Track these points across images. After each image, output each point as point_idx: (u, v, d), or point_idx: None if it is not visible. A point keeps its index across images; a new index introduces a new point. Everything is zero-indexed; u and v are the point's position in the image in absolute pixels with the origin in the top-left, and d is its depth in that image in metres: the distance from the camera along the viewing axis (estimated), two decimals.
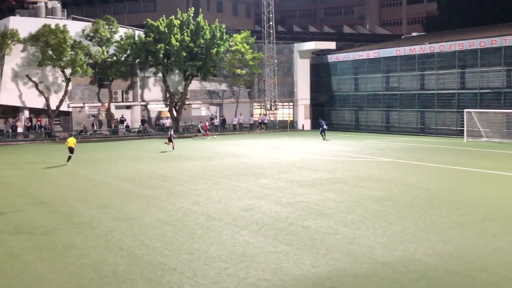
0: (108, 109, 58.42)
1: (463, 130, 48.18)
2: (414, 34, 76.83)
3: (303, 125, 66.55)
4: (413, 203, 20.50)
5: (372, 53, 60.71)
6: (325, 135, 51.23)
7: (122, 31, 57.79)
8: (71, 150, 34.24)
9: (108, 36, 56.11)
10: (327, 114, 66.26)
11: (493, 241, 15.18)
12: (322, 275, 12.56)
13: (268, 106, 66.56)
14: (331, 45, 66.85)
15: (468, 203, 20.33)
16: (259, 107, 68.11)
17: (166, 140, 42.88)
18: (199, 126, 56.26)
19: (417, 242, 15.13)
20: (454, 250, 14.28)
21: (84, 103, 58.62)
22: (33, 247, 15.25)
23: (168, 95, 60.78)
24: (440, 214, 18.46)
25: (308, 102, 67.53)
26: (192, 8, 60.40)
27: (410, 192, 22.68)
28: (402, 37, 79.09)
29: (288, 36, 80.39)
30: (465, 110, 48.25)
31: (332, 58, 66.26)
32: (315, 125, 65.59)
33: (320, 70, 67.65)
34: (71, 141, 34.59)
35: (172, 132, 42.83)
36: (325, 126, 51.95)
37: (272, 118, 66.80)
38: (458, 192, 22.80)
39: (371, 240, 15.35)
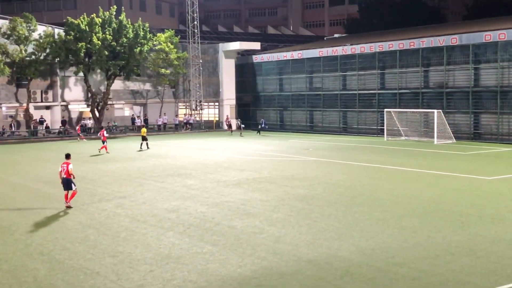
0: (27, 110, 56.39)
1: (383, 129, 49.68)
2: (336, 35, 78.58)
3: (228, 124, 66.67)
4: (337, 200, 20.92)
5: (296, 54, 61.57)
6: (259, 133, 54.29)
7: (41, 29, 55.95)
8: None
9: (26, 34, 54.16)
10: (252, 114, 66.69)
11: (413, 236, 15.71)
12: (248, 274, 12.60)
13: (194, 106, 66.29)
14: (256, 45, 67.35)
15: (388, 200, 20.95)
16: (184, 107, 67.71)
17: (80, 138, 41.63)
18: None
19: (340, 239, 15.44)
20: (376, 246, 14.68)
21: (1, 103, 56.35)
22: None
23: (90, 95, 59.36)
24: (362, 211, 18.93)
25: (233, 102, 67.72)
26: (114, 7, 59.26)
27: (333, 190, 23.15)
28: (325, 38, 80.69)
29: (213, 36, 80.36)
30: (385, 109, 49.78)
31: (257, 58, 66.73)
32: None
33: (245, 70, 68.00)
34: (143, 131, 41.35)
35: (105, 133, 41.42)
36: (264, 125, 55.27)
37: (197, 118, 66.56)
38: (379, 189, 23.46)
39: (296, 238, 15.54)
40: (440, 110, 45.94)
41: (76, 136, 54.74)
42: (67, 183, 20.03)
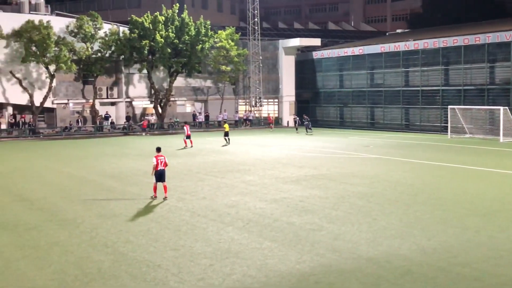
0: (93, 106, 58.09)
1: (447, 126, 48.54)
2: (398, 31, 77.24)
3: (288, 121, 66.59)
4: (397, 199, 20.63)
5: (357, 50, 60.92)
6: (307, 130, 53.47)
7: (106, 27, 57.46)
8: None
9: (93, 32, 55.75)
10: (312, 110, 66.40)
11: (476, 236, 15.33)
12: (306, 271, 12.61)
13: (253, 103, 66.57)
14: (316, 41, 67.02)
15: (451, 199, 20.49)
16: (244, 103, 68.10)
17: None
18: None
19: (401, 237, 15.23)
20: (438, 246, 14.40)
21: (68, 100, 58.23)
22: (16, 244, 15.14)
23: (153, 91, 60.55)
24: (424, 210, 18.60)
25: (293, 98, 67.64)
26: (177, 5, 60.20)
27: (394, 188, 22.82)
28: (387, 34, 79.46)
29: (273, 32, 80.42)
30: (449, 106, 48.61)
31: (317, 54, 66.39)
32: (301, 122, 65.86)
33: (305, 67, 67.76)
34: (226, 127, 43.25)
35: (188, 128, 42.40)
36: (305, 122, 54.30)
37: (257, 115, 66.84)
38: (442, 188, 22.97)
39: (355, 236, 15.43)
40: (507, 107, 44.48)
41: (141, 132, 56.15)
42: (162, 175, 20.79)
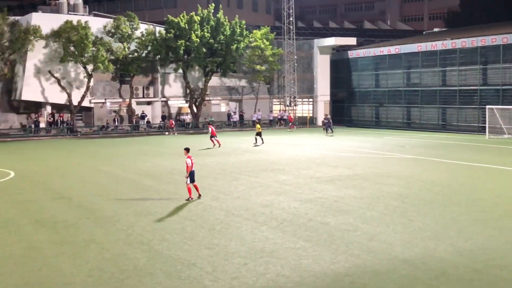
0: (129, 105, 58.83)
1: (485, 126, 47.68)
2: (435, 29, 76.15)
3: (322, 121, 66.33)
4: (433, 200, 20.37)
5: (393, 49, 60.32)
6: (327, 131, 52.52)
7: (143, 28, 58.12)
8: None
9: (129, 33, 56.45)
10: (347, 110, 66.03)
11: None
12: (341, 271, 12.56)
13: (288, 102, 66.49)
14: (352, 41, 66.58)
15: (488, 200, 20.15)
16: (278, 103, 68.07)
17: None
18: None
19: (437, 239, 15.05)
20: (474, 247, 14.19)
21: (105, 99, 59.08)
22: (54, 241, 15.44)
23: (188, 91, 61.01)
24: (460, 211, 18.33)
25: (328, 98, 67.33)
26: (212, 4, 60.50)
27: (430, 189, 22.54)
28: (424, 32, 78.39)
29: (308, 32, 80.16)
30: (487, 106, 47.73)
31: (352, 54, 65.94)
32: (335, 122, 65.48)
33: (340, 66, 67.37)
34: (258, 127, 43.11)
35: (213, 128, 42.41)
36: (326, 122, 53.62)
37: (291, 115, 66.74)
38: (479, 189, 22.61)
39: (391, 237, 15.30)
40: None
41: (170, 131, 56.55)
42: (194, 175, 20.75)
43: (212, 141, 41.11)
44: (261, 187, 23.52)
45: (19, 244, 15.07)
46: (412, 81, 58.87)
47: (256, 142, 42.38)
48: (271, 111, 66.47)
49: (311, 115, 67.53)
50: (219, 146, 40.33)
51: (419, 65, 57.16)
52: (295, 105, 66.77)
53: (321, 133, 53.74)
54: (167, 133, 56.37)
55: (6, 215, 18.87)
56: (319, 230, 16.12)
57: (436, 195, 21.22)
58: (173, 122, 58.29)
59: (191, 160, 20.69)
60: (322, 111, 66.13)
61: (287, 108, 66.50)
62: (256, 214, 18.29)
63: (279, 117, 65.38)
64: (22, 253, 14.24)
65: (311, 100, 68.38)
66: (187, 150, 21.31)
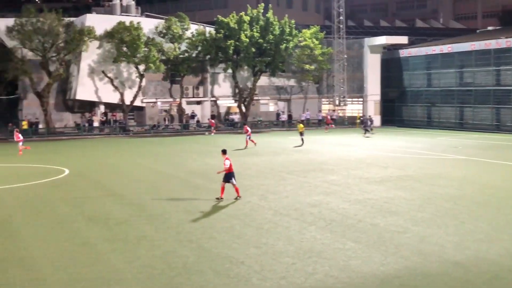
0: (180, 105, 59.56)
1: None
2: (489, 28, 74.27)
3: (361, 121, 65.59)
4: (486, 202, 19.89)
5: (445, 48, 59.14)
6: (365, 132, 50.59)
7: (193, 28, 58.74)
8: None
9: (180, 33, 57.14)
10: (397, 110, 65.12)
11: None
12: (391, 273, 12.41)
13: (337, 102, 66.03)
14: (403, 39, 65.62)
15: None
16: (327, 103, 67.68)
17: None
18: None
19: (490, 241, 14.69)
20: None
21: (156, 99, 59.98)
22: (107, 237, 15.78)
23: (237, 90, 61.33)
24: None
25: (378, 98, 66.54)
26: (262, 4, 60.66)
27: (483, 191, 22.02)
28: (477, 31, 76.56)
29: (358, 30, 79.37)
30: None
31: (403, 53, 64.97)
32: (386, 121, 64.73)
33: (391, 65, 66.45)
34: (300, 127, 42.24)
35: (248, 128, 42.28)
36: (368, 122, 51.89)
37: (340, 114, 66.25)
38: None
39: (442, 239, 15.02)
40: None
41: (210, 131, 56.30)
42: (232, 176, 20.69)
43: (247, 141, 40.72)
44: (309, 187, 23.45)
45: (73, 240, 15.47)
46: (465, 80, 57.59)
47: (302, 143, 41.82)
48: (320, 111, 66.15)
49: (360, 115, 66.86)
50: (248, 146, 40.20)
51: (472, 64, 55.87)
52: (345, 105, 66.26)
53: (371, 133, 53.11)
54: (207, 133, 56.13)
55: (60, 211, 19.40)
56: (368, 232, 15.96)
57: (489, 197, 20.71)
58: (213, 121, 58.15)
59: (230, 161, 20.62)
60: (373, 111, 65.41)
61: (336, 108, 66.07)
62: (305, 214, 18.25)
63: (328, 117, 64.98)
64: (76, 249, 14.61)
65: (360, 100, 67.70)
66: (224, 152, 21.30)
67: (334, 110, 65.93)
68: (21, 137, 39.45)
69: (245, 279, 12.15)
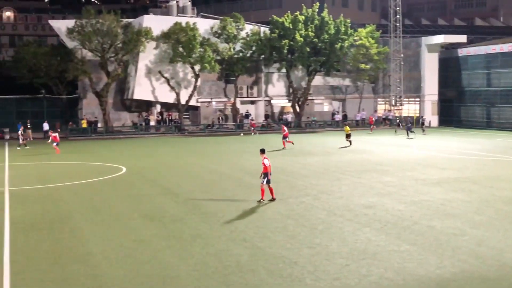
0: (234, 104, 59.95)
1: None
2: None
3: (430, 121, 64.31)
4: None
5: (506, 47, 57.39)
6: (408, 134, 48.38)
7: (248, 28, 59.02)
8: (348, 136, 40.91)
9: (235, 33, 57.51)
10: (456, 110, 63.65)
11: None
12: (447, 276, 12.16)
13: (393, 102, 65.09)
14: (462, 38, 64.10)
15: None
16: (383, 102, 66.81)
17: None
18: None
19: None
20: None
21: (211, 98, 60.55)
22: (162, 235, 16.04)
23: (291, 90, 61.26)
24: None
25: (435, 98, 65.22)
26: (317, 3, 60.34)
27: None
28: None
29: (415, 29, 77.99)
30: None
31: (462, 52, 63.44)
32: (443, 122, 63.41)
33: (449, 65, 64.98)
34: (347, 129, 41.27)
35: (285, 128, 41.46)
36: (409, 124, 50.14)
37: (396, 114, 65.26)
38: None
39: (501, 243, 14.61)
40: None
41: (252, 130, 55.80)
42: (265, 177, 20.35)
43: (284, 142, 39.81)
44: (364, 188, 23.21)
45: (129, 237, 15.79)
46: None
47: (350, 145, 40.88)
48: (376, 111, 65.34)
49: (417, 115, 65.67)
50: (293, 144, 39.90)
51: None
52: (401, 105, 65.24)
53: (427, 133, 52.12)
54: (242, 134, 54.98)
55: (117, 209, 19.84)
56: (424, 234, 15.68)
57: None
58: (254, 122, 57.46)
59: (269, 161, 20.38)
60: (430, 111, 64.17)
61: (392, 107, 65.14)
62: (359, 215, 18.08)
63: (384, 117, 64.14)
64: (132, 246, 14.91)
65: (417, 99, 66.50)
66: (262, 151, 20.99)
67: (390, 110, 65.02)
68: (58, 137, 40.04)
69: (298, 279, 12.14)
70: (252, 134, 54.50)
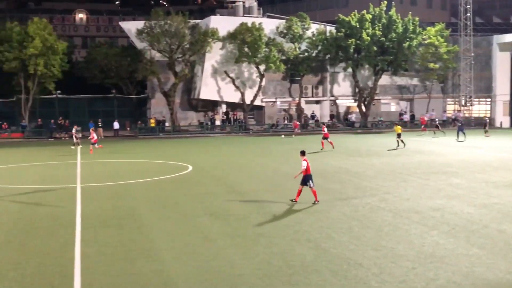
0: (298, 104, 59.87)
1: None
2: None
3: (501, 122, 62.30)
4: None
5: None
6: (458, 135, 45.50)
7: (314, 27, 58.85)
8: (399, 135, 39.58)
9: (301, 33, 57.47)
10: None
11: None
12: None
13: (463, 102, 63.37)
14: None
15: None
16: (452, 103, 65.16)
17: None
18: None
19: None
20: None
21: (276, 98, 60.71)
22: (227, 233, 16.20)
23: (357, 90, 60.63)
24: None
25: (507, 98, 63.09)
26: (385, 2, 59.50)
27: None
28: None
29: (486, 27, 75.71)
30: None
31: None
32: None
33: None
34: (397, 129, 39.96)
35: (325, 129, 40.39)
36: (459, 125, 47.00)
37: (466, 115, 63.50)
38: None
39: None
40: None
41: (295, 131, 54.53)
42: (309, 179, 20.03)
43: (323, 143, 38.72)
44: (431, 190, 22.70)
45: (196, 235, 16.04)
46: None
47: (398, 146, 39.49)
48: (445, 111, 63.81)
49: (488, 115, 63.71)
50: (333, 148, 38.49)
51: None
52: (471, 105, 63.46)
53: (500, 134, 50.45)
54: (283, 136, 51.78)
55: (184, 206, 20.18)
56: (494, 238, 15.19)
57: None
58: (298, 123, 55.19)
59: (307, 163, 20.08)
60: (501, 112, 62.14)
61: (462, 108, 63.45)
62: (426, 218, 17.70)
63: (453, 117, 62.55)
64: (198, 243, 15.14)
65: (488, 100, 64.52)
66: (302, 153, 20.65)
67: (459, 111, 63.34)
68: (96, 137, 40.87)
69: (363, 281, 12.00)
70: (293, 136, 51.75)
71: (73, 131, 45.30)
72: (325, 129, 40.85)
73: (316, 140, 41.81)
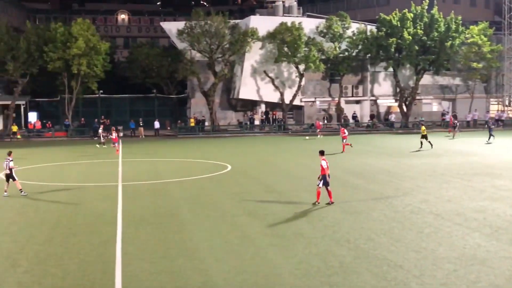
0: (338, 104, 59.52)
1: None
2: None
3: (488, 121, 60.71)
4: None
5: None
6: (489, 138, 43.28)
7: (354, 27, 58.42)
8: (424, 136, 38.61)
9: (341, 32, 57.13)
10: None
11: None
12: None
13: (507, 102, 62.00)
14: None
15: None
16: (496, 103, 63.83)
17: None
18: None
19: None
20: None
21: (315, 98, 60.49)
22: (265, 232, 16.23)
23: (398, 89, 59.95)
24: None
25: None
26: (427, 1, 58.65)
27: None
28: None
29: None
30: None
31: None
32: None
33: None
34: (423, 129, 39.44)
35: (345, 131, 39.08)
36: (491, 125, 44.83)
37: (510, 115, 62.15)
38: None
39: None
40: None
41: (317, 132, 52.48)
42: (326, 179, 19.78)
43: (343, 145, 37.75)
44: (474, 191, 22.29)
45: (234, 234, 16.11)
46: None
47: (421, 147, 38.11)
48: (488, 111, 62.55)
49: None
50: (351, 146, 38.00)
51: None
52: None
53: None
54: (307, 137, 50.19)
55: (223, 205, 20.30)
56: None
57: None
58: (320, 123, 53.43)
59: (327, 163, 19.85)
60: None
61: (506, 108, 62.11)
62: (468, 220, 17.39)
63: (496, 117, 61.26)
64: (237, 242, 15.21)
65: None
66: (321, 153, 20.41)
67: (503, 111, 62.02)
68: (115, 137, 40.64)
69: (403, 283, 11.87)
70: (318, 136, 50.33)
71: (100, 130, 46.07)
72: (345, 131, 39.23)
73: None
